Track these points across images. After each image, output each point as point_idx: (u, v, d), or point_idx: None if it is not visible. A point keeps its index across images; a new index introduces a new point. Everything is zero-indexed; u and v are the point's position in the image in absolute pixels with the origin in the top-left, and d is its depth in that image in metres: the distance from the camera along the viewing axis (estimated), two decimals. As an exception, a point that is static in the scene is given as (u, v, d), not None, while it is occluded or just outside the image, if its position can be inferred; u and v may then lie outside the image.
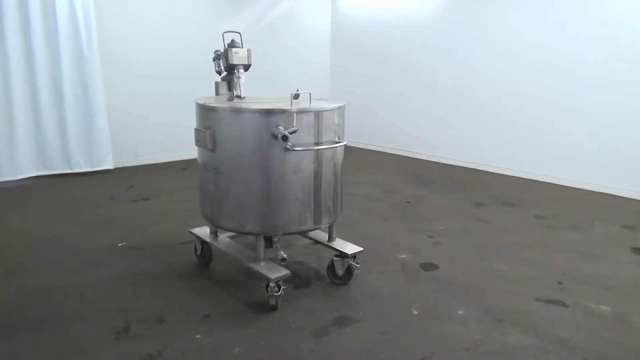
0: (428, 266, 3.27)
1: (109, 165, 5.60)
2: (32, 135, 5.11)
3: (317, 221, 2.71)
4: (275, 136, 2.41)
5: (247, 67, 3.01)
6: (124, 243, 3.54)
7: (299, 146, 2.51)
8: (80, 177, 5.39)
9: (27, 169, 5.12)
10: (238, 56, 2.94)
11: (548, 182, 5.50)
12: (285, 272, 2.60)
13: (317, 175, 2.63)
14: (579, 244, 3.71)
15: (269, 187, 2.55)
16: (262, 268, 2.63)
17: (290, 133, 2.43)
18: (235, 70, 2.98)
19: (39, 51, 4.99)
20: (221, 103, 2.63)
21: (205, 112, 2.64)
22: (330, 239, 3.03)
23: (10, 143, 4.95)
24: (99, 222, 3.99)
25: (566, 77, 5.26)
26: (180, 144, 6.10)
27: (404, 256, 3.42)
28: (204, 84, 6.76)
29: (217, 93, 3.13)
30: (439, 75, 6.48)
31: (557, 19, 5.25)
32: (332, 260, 2.95)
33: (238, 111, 2.51)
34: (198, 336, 2.39)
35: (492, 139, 6.03)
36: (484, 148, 6.12)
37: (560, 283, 3.04)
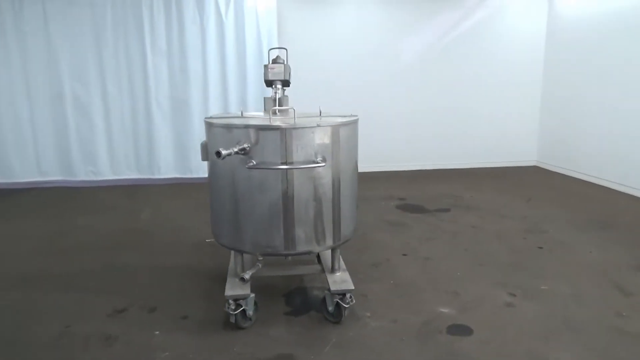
0: (459, 329, 2.56)
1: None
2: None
3: (288, 246, 2.51)
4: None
5: (285, 83, 3.03)
6: (212, 240, 4.00)
7: (263, 164, 2.40)
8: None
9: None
10: (274, 72, 3.00)
11: None
12: (244, 292, 2.52)
13: (286, 196, 2.45)
14: None
15: (237, 203, 2.52)
16: (231, 284, 2.61)
17: (240, 150, 2.35)
18: (273, 86, 3.03)
19: (231, 72, 6.03)
20: (217, 118, 2.73)
21: (205, 126, 2.79)
22: (333, 269, 2.74)
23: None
24: (221, 219, 4.58)
25: None
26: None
27: (445, 310, 2.76)
28: (384, 98, 6.68)
29: (264, 108, 3.23)
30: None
31: None
32: (324, 293, 2.67)
33: (215, 126, 2.56)
34: (157, 332, 2.57)
35: None
36: None
37: (631, 407, 1.93)
